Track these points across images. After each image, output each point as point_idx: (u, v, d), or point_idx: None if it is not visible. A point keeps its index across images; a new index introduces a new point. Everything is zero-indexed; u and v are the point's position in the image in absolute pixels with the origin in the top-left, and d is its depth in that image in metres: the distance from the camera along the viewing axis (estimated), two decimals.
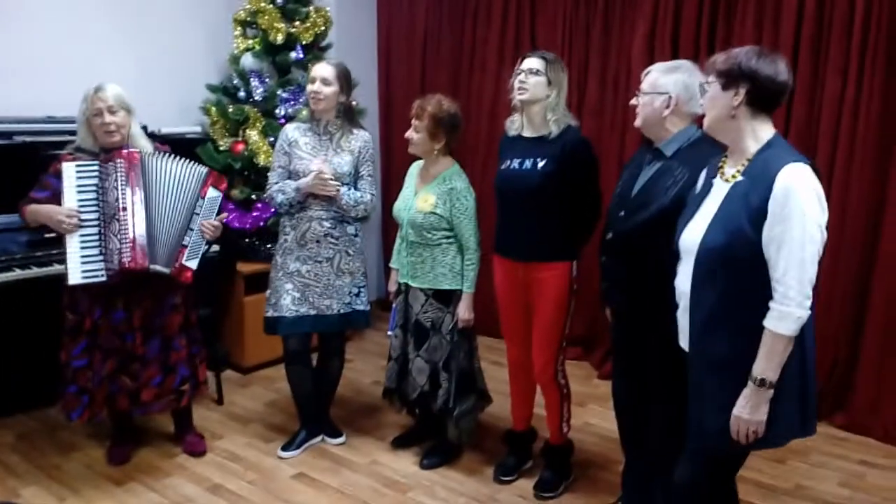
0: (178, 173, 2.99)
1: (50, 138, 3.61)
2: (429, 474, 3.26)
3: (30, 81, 3.80)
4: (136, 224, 2.87)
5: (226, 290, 4.30)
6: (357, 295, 3.32)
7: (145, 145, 3.06)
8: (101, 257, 2.88)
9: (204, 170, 3.07)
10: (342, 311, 3.28)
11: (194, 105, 4.46)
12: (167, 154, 3.04)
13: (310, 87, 3.18)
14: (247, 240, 4.33)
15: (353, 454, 3.42)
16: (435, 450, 3.36)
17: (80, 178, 2.87)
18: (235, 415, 3.82)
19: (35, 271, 3.40)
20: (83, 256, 2.86)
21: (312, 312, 3.25)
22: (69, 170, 2.86)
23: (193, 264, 3.03)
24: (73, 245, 2.85)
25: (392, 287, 3.37)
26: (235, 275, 4.25)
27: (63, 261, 3.39)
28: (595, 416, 3.85)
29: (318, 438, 3.50)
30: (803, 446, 3.48)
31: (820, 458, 3.47)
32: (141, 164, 2.92)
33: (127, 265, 2.85)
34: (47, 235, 3.40)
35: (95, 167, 2.89)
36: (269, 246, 4.26)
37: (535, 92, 2.84)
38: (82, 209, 2.87)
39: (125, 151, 2.91)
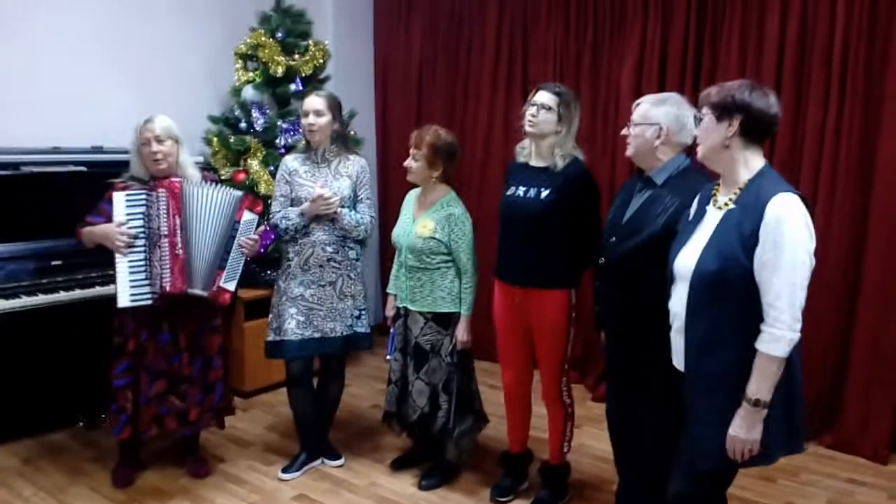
0: (215, 199, 3.13)
1: (55, 168, 3.71)
2: (427, 495, 3.31)
3: (35, 113, 3.90)
4: (175, 250, 3.02)
5: (226, 316, 4.35)
6: (359, 318, 3.41)
7: (193, 174, 3.20)
8: (147, 281, 3.02)
9: (239, 194, 3.21)
10: (345, 332, 3.36)
11: (196, 135, 4.55)
12: (207, 182, 3.17)
13: (304, 121, 3.30)
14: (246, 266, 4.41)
15: (353, 476, 3.48)
16: (433, 471, 3.42)
17: (129, 206, 3.02)
18: (236, 438, 3.87)
19: (41, 298, 3.47)
20: (131, 280, 3.00)
21: (317, 335, 3.32)
22: (119, 198, 3.02)
23: (231, 286, 3.17)
24: (122, 269, 3.00)
25: (389, 312, 3.45)
26: (235, 301, 4.30)
27: (67, 288, 3.57)
28: (590, 438, 3.91)
29: (318, 461, 3.55)
30: (793, 465, 3.56)
31: (809, 476, 3.53)
32: (181, 192, 3.06)
33: (167, 289, 3.00)
34: (54, 263, 3.55)
35: (143, 196, 3.04)
36: (268, 272, 4.35)
37: (544, 128, 2.91)
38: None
39: (167, 181, 3.06)
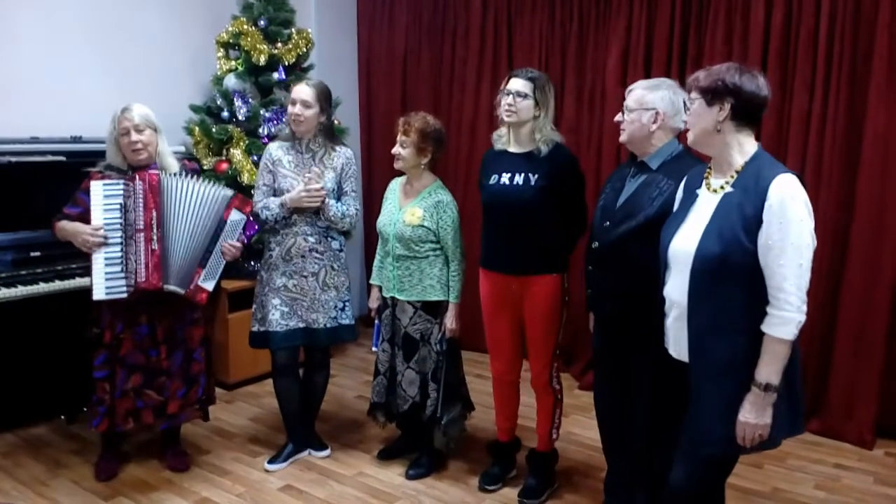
0: (201, 195, 3.06)
1: (34, 158, 3.64)
2: (415, 484, 3.29)
3: (13, 103, 3.83)
4: (151, 244, 2.96)
5: (209, 307, 4.31)
6: (342, 309, 3.36)
7: (172, 163, 3.14)
8: (122, 274, 2.96)
9: (229, 193, 3.13)
10: (328, 325, 3.31)
11: (178, 125, 4.49)
12: (190, 175, 3.09)
13: (291, 110, 3.23)
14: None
15: (340, 466, 3.45)
16: (420, 460, 3.40)
17: (106, 195, 2.96)
18: (221, 430, 3.83)
19: (20, 290, 3.41)
20: (107, 273, 2.94)
21: (301, 325, 3.29)
22: (96, 188, 2.96)
23: (209, 285, 3.10)
24: (97, 262, 2.94)
25: (373, 304, 3.43)
26: (219, 292, 4.27)
27: (47, 279, 3.53)
28: (577, 426, 3.90)
29: (305, 452, 3.52)
30: (780, 452, 3.51)
31: (796, 462, 3.55)
32: (160, 185, 2.99)
33: (141, 284, 2.95)
34: (33, 254, 3.49)
35: (121, 186, 2.97)
36: (252, 263, 4.31)
37: (523, 115, 2.89)
38: (107, 227, 2.95)
39: (146, 173, 2.99)
